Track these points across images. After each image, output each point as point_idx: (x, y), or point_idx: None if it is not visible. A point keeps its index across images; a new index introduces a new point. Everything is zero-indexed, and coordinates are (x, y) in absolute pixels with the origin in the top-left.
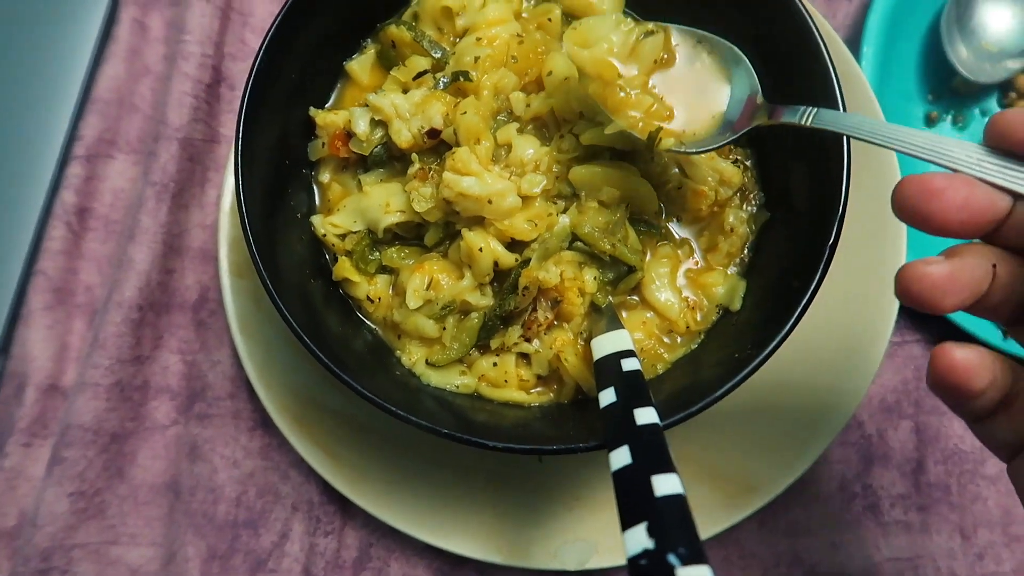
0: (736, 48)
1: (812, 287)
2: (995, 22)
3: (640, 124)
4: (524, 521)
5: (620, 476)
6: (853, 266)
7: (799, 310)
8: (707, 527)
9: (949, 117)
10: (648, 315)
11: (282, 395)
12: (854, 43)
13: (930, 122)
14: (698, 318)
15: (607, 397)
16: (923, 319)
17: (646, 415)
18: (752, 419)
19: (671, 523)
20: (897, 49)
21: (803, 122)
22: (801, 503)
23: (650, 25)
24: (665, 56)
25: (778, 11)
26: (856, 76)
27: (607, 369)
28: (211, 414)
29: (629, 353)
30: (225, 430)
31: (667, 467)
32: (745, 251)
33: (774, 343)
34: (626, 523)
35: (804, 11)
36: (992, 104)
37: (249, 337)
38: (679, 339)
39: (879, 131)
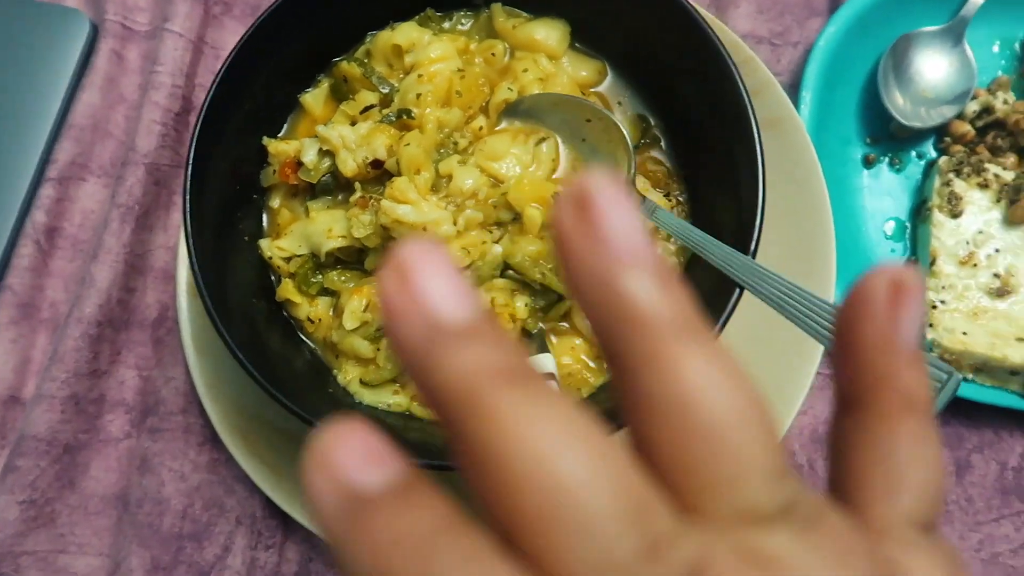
0: (621, 127)
1: (727, 310)
2: (930, 71)
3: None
4: None
5: None
6: None
7: (716, 330)
8: None
9: (887, 160)
10: (577, 342)
11: (229, 411)
12: (797, 87)
13: (868, 164)
14: None
15: None
16: None
17: None
18: None
19: None
20: (837, 94)
21: (648, 215)
22: None
23: (542, 132)
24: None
25: (708, 62)
26: (793, 120)
27: None
28: (162, 428)
29: (548, 376)
30: (175, 444)
31: None
32: None
33: None
34: None
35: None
36: (928, 148)
37: (201, 354)
38: (604, 365)
39: (692, 237)
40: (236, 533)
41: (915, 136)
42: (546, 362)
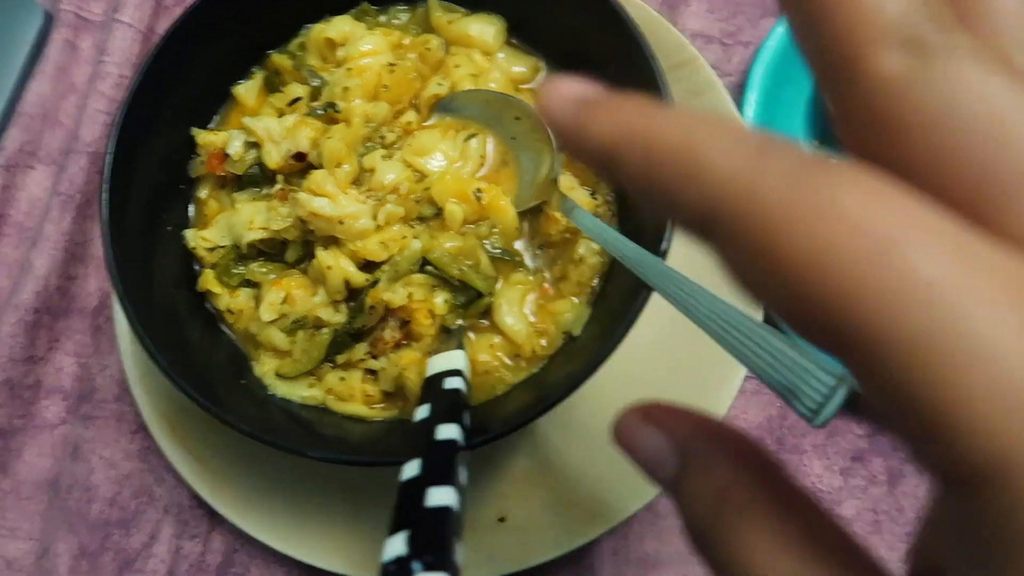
0: (546, 126)
1: (638, 303)
2: None
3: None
4: (374, 534)
5: (404, 487)
6: None
7: (625, 327)
8: (552, 550)
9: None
10: (496, 339)
11: (160, 401)
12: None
13: None
14: (543, 344)
15: (422, 412)
16: None
17: (447, 431)
18: (605, 449)
19: (429, 533)
20: (785, 95)
21: (566, 212)
22: (655, 534)
23: (472, 128)
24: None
25: (636, 63)
26: (734, 120)
27: (430, 386)
28: (95, 415)
29: (455, 372)
30: (107, 431)
31: (446, 481)
32: (596, 281)
33: (598, 362)
34: (392, 530)
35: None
36: None
37: (134, 343)
38: (523, 363)
39: (606, 237)
40: (163, 522)
41: None
42: (454, 359)
